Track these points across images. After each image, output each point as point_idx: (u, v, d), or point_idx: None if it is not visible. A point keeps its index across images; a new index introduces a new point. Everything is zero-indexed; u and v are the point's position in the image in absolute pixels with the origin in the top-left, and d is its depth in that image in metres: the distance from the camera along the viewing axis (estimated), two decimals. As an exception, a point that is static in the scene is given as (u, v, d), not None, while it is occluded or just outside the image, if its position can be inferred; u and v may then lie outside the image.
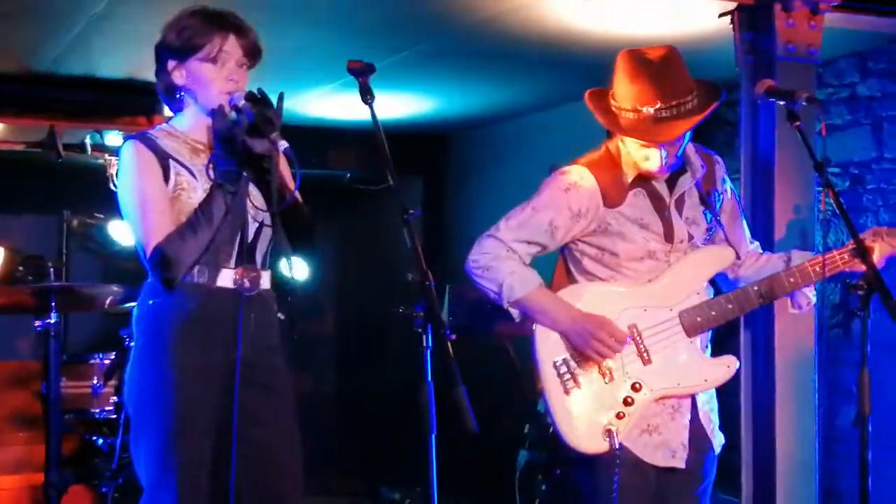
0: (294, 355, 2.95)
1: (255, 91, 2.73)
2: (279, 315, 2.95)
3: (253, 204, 2.79)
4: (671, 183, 2.96)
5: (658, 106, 2.84)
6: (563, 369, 2.88)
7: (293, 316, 2.95)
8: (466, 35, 4.64)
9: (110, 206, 6.15)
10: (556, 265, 3.07)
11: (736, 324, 4.00)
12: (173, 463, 2.65)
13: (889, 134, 4.72)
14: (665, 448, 2.89)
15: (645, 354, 2.88)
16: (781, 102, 3.17)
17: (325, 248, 7.34)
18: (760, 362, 3.93)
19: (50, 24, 4.56)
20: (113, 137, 5.95)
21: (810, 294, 3.08)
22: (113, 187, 5.92)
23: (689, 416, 2.92)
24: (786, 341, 3.87)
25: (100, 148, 6.04)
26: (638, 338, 2.88)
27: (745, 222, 3.18)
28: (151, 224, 2.68)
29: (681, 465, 2.90)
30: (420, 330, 2.47)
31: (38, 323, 4.12)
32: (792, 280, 2.96)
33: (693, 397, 2.94)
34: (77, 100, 5.67)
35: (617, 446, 2.79)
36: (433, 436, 2.41)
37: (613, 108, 2.92)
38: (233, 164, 2.69)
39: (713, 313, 2.90)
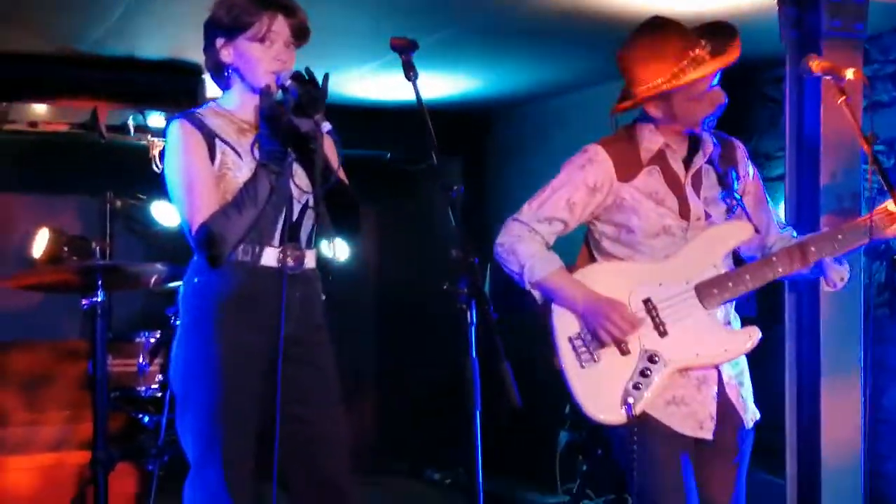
0: (336, 334, 2.97)
1: (303, 71, 2.73)
2: (322, 295, 2.96)
3: (297, 184, 2.80)
4: (687, 163, 3.01)
5: (703, 44, 2.92)
6: (579, 343, 2.95)
7: (331, 296, 2.95)
8: (508, 12, 4.62)
9: (153, 186, 6.21)
10: (581, 248, 3.14)
11: (782, 304, 3.98)
12: (219, 439, 2.68)
13: (937, 110, 4.66)
14: (692, 418, 2.93)
15: (661, 327, 2.92)
16: (827, 78, 3.13)
17: (366, 227, 7.37)
18: (805, 342, 3.90)
19: (92, 5, 4.60)
20: (155, 118, 5.98)
21: (843, 270, 3.05)
22: (156, 168, 5.95)
23: (715, 389, 2.96)
24: (831, 320, 3.84)
25: (142, 129, 6.07)
26: (654, 311, 2.93)
27: (772, 207, 3.18)
28: (197, 202, 2.70)
29: (708, 436, 2.93)
30: (464, 306, 2.47)
31: (84, 301, 4.15)
32: (813, 249, 2.96)
33: (719, 370, 2.97)
34: (119, 81, 5.71)
35: (633, 416, 2.85)
36: (478, 412, 2.41)
37: (655, 83, 2.92)
38: (277, 143, 2.71)
39: (730, 284, 2.92)
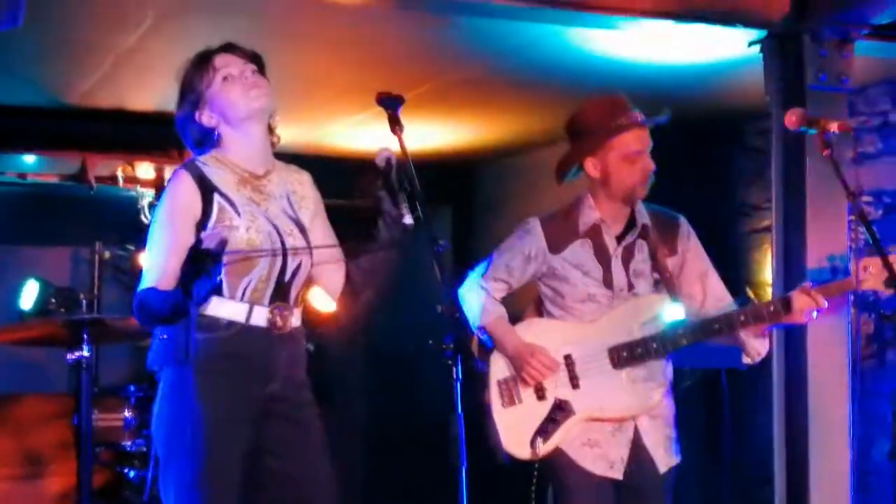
0: (323, 388, 2.95)
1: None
2: (308, 347, 2.94)
3: (289, 242, 2.79)
4: (620, 238, 3.32)
5: (632, 114, 3.24)
6: (505, 386, 3.31)
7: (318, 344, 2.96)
8: (493, 64, 4.65)
9: (142, 237, 6.19)
10: (530, 304, 3.50)
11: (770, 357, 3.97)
12: (203, 498, 2.64)
13: (922, 162, 4.68)
14: (603, 459, 3.25)
15: (575, 381, 3.27)
16: (813, 131, 3.15)
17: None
18: (794, 394, 3.89)
19: (81, 59, 4.62)
20: (144, 169, 5.99)
21: (760, 346, 3.29)
22: (144, 219, 5.95)
23: (630, 435, 3.26)
24: (819, 372, 3.84)
25: (131, 180, 6.08)
26: (572, 366, 3.28)
27: (717, 283, 3.38)
28: (152, 260, 2.71)
29: (618, 476, 3.24)
30: (450, 361, 2.46)
31: (70, 355, 4.13)
32: (716, 326, 3.22)
33: (635, 421, 3.26)
34: (108, 132, 5.72)
35: (537, 454, 3.20)
36: (464, 468, 2.39)
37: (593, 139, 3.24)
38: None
39: (638, 350, 3.24)
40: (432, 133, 6.08)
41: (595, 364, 3.26)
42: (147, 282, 2.71)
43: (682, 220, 3.41)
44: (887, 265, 2.95)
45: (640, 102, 3.25)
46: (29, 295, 6.01)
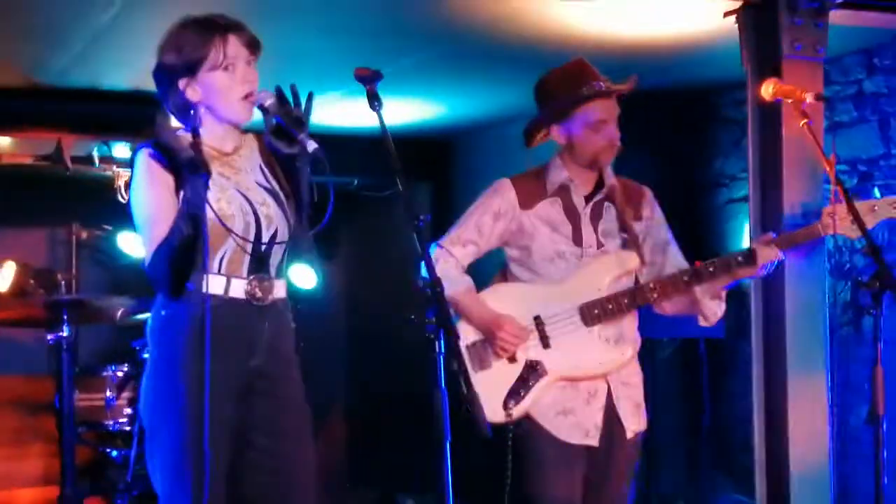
0: (304, 364, 2.95)
1: (285, 89, 2.66)
2: (292, 325, 2.93)
3: (266, 213, 2.78)
4: (588, 198, 3.35)
5: (597, 83, 3.26)
6: (474, 351, 3.29)
7: (300, 325, 2.94)
8: (470, 39, 4.64)
9: (119, 217, 6.19)
10: (496, 272, 3.48)
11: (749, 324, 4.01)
12: (189, 473, 2.65)
13: (896, 130, 4.71)
14: (578, 428, 3.26)
15: (546, 341, 3.27)
16: (788, 101, 3.16)
17: (335, 255, 7.35)
18: (772, 360, 3.93)
19: (55, 38, 4.58)
20: (120, 149, 5.95)
21: (716, 307, 3.31)
22: (121, 199, 5.93)
23: (603, 401, 3.28)
24: (797, 340, 3.87)
25: (107, 160, 6.04)
26: (542, 326, 3.27)
27: (676, 252, 3.41)
28: (150, 236, 2.66)
29: (594, 443, 3.26)
30: (432, 336, 2.46)
31: (50, 336, 4.12)
32: (685, 278, 3.23)
33: (609, 386, 3.28)
34: (83, 112, 5.67)
35: (511, 417, 3.21)
36: (447, 442, 2.40)
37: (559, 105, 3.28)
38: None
39: (610, 307, 3.25)
40: (409, 109, 6.07)
41: (565, 323, 3.26)
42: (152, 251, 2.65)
43: (648, 191, 3.46)
44: (852, 209, 3.00)
45: (615, 74, 3.26)
46: (7, 276, 5.99)
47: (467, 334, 3.30)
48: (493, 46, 4.75)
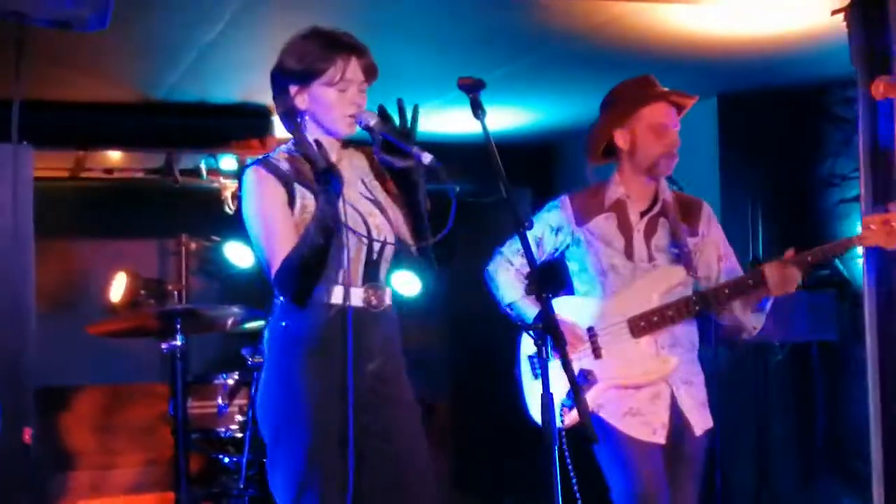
0: (409, 367, 2.98)
1: (388, 105, 2.70)
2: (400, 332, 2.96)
3: (373, 224, 2.82)
4: (644, 214, 3.48)
5: (661, 88, 3.46)
6: (534, 360, 3.48)
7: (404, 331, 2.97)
8: (571, 44, 4.63)
9: (226, 228, 6.32)
10: None
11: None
12: (314, 481, 2.68)
13: None
14: (646, 426, 3.38)
15: (598, 351, 3.45)
16: (899, 98, 3.09)
17: (451, 261, 7.36)
18: (888, 364, 3.83)
19: (165, 54, 4.70)
20: (227, 161, 6.07)
21: (755, 319, 3.45)
22: (228, 210, 6.05)
23: (668, 401, 3.41)
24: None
25: (215, 172, 6.17)
26: (594, 337, 3.46)
27: (735, 267, 3.52)
28: (275, 249, 2.71)
29: (662, 440, 3.38)
30: (539, 342, 2.46)
31: (164, 345, 4.22)
32: (727, 291, 3.37)
33: (672, 387, 3.41)
34: (192, 126, 5.81)
35: (565, 424, 3.33)
36: (556, 447, 2.40)
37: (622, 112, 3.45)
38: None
39: (655, 319, 3.39)
40: (510, 116, 6.07)
41: (615, 334, 3.42)
42: (277, 263, 2.69)
43: (706, 205, 3.58)
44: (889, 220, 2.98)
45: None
46: (118, 287, 6.16)
47: (528, 345, 3.49)
48: (592, 52, 4.72)
